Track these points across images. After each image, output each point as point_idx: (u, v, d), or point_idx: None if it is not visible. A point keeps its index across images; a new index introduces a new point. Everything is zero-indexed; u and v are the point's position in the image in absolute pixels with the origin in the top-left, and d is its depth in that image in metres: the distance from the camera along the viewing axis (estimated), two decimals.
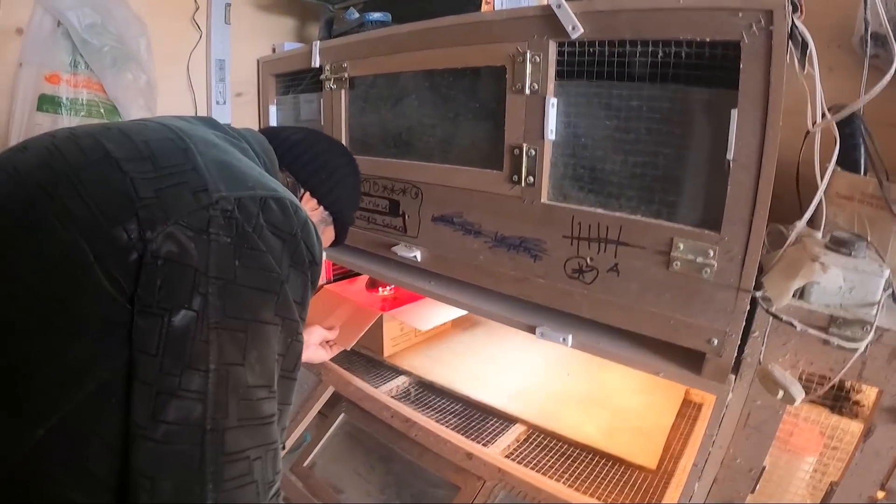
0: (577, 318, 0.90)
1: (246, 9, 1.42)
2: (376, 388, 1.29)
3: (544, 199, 0.89)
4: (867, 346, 0.71)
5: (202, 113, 1.42)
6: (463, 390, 1.30)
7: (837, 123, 0.86)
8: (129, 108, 1.21)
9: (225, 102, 1.40)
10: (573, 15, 0.79)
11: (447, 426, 1.17)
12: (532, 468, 1.06)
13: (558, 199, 0.89)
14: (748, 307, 0.76)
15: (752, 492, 0.86)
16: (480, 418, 1.22)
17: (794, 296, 0.77)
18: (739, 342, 0.80)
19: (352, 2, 1.26)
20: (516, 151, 0.89)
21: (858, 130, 0.85)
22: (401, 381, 1.36)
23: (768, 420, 0.81)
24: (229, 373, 0.50)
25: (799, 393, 0.75)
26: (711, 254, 0.75)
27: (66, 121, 1.16)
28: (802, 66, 0.73)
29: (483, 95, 0.93)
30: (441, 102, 1.01)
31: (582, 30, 0.79)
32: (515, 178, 0.90)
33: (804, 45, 0.71)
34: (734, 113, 0.70)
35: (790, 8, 0.67)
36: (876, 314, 0.71)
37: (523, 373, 1.38)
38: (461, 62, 0.94)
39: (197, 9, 1.37)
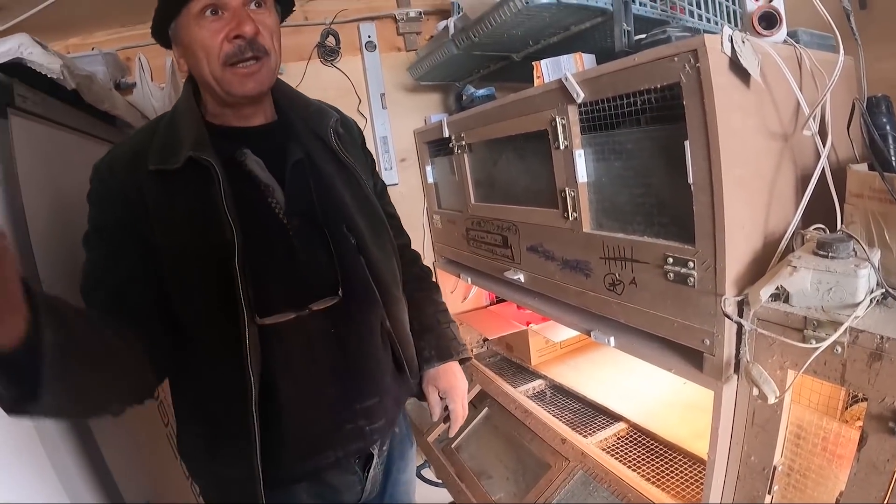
0: (619, 324, 1.15)
1: (398, 94, 2.04)
2: (516, 388, 1.68)
3: (586, 228, 1.19)
4: (833, 344, 0.79)
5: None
6: (584, 392, 1.58)
7: (864, 118, 0.93)
8: None
9: (391, 168, 2.01)
10: (576, 84, 1.10)
11: (561, 420, 1.49)
12: (618, 458, 1.31)
13: (595, 229, 1.18)
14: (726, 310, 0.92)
15: (769, 492, 0.95)
16: (592, 415, 1.51)
17: (780, 299, 0.89)
18: (736, 342, 0.95)
19: (469, 79, 1.72)
20: (563, 194, 1.21)
21: (872, 125, 0.89)
22: (538, 384, 1.72)
23: (771, 418, 0.93)
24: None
25: (771, 391, 0.85)
26: (692, 265, 0.96)
27: None
28: (747, 85, 0.89)
29: (541, 152, 1.27)
30: (519, 160, 1.40)
31: (583, 94, 1.09)
32: (566, 214, 1.22)
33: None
34: (687, 144, 0.92)
35: (728, 42, 0.86)
36: (853, 315, 0.78)
37: (644, 379, 1.58)
38: (522, 129, 1.31)
39: (360, 101, 2.02)
